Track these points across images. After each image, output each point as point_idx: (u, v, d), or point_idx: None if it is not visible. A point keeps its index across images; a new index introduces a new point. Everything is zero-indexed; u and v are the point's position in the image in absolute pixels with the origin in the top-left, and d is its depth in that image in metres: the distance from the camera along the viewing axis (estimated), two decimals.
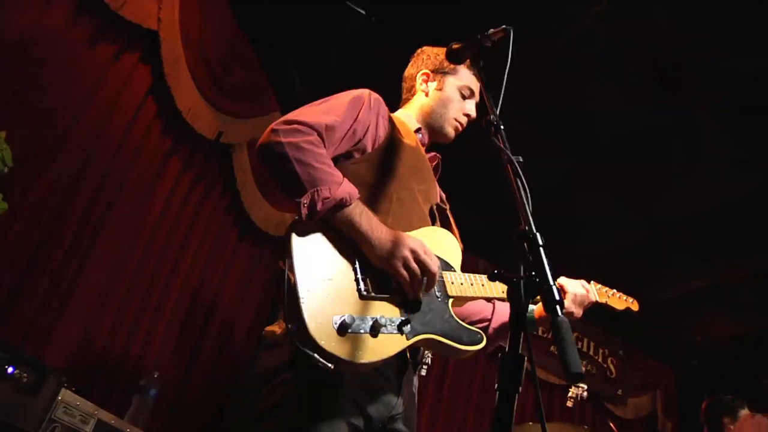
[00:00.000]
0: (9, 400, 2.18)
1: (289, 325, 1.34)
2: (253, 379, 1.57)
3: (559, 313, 0.99)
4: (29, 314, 2.76)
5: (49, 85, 2.82)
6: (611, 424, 3.98)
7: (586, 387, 3.46)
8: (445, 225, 1.88)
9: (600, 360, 5.97)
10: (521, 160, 1.29)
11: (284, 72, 4.26)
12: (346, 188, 1.50)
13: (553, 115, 3.89)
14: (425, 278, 1.53)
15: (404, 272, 1.50)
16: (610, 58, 3.60)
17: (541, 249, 1.08)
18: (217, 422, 3.92)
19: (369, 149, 1.72)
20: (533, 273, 1.05)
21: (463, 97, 2.04)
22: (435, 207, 1.87)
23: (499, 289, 1.73)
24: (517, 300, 1.06)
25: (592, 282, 1.98)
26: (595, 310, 1.98)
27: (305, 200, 1.44)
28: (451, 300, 1.63)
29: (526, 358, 1.01)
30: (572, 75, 3.72)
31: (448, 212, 1.94)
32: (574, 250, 4.90)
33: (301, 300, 1.35)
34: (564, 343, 0.95)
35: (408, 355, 1.63)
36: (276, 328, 1.56)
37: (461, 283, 1.68)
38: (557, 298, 1.01)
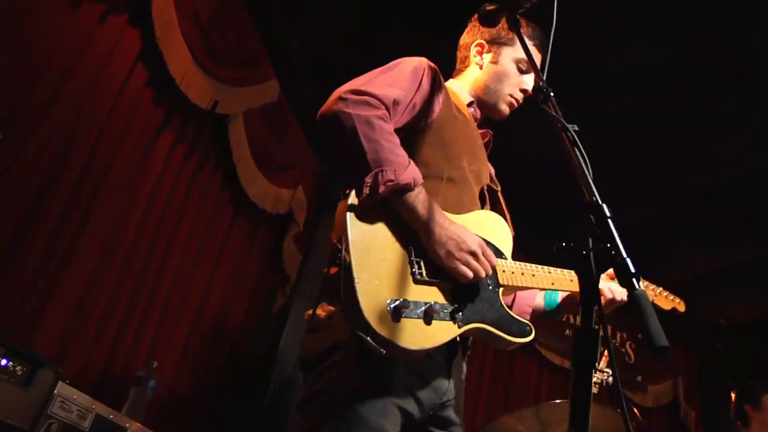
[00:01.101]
0: (1, 395, 2.14)
1: (344, 306, 1.37)
2: (287, 367, 1.61)
3: (636, 285, 1.00)
4: (14, 300, 2.75)
5: (28, 52, 2.77)
6: (635, 410, 4.05)
7: (610, 372, 3.49)
8: (496, 207, 1.91)
9: (618, 344, 6.08)
10: (577, 128, 1.30)
11: (281, 37, 4.23)
12: (412, 173, 1.51)
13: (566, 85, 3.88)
14: (482, 276, 1.58)
15: (462, 270, 1.54)
16: (630, 26, 3.59)
17: (609, 220, 1.10)
18: (217, 413, 3.96)
19: (424, 123, 1.74)
20: (605, 245, 1.06)
21: (521, 71, 2.02)
22: (486, 188, 1.89)
23: (548, 280, 1.78)
24: (588, 274, 1.08)
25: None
26: None
27: (368, 180, 1.46)
28: (501, 289, 1.67)
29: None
30: (589, 44, 3.70)
31: (500, 194, 1.96)
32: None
33: (356, 281, 1.38)
34: (646, 316, 0.96)
35: (458, 339, 1.66)
36: (320, 312, 1.59)
37: (512, 272, 1.72)
38: (633, 270, 1.02)
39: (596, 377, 3.50)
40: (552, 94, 1.39)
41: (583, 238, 1.11)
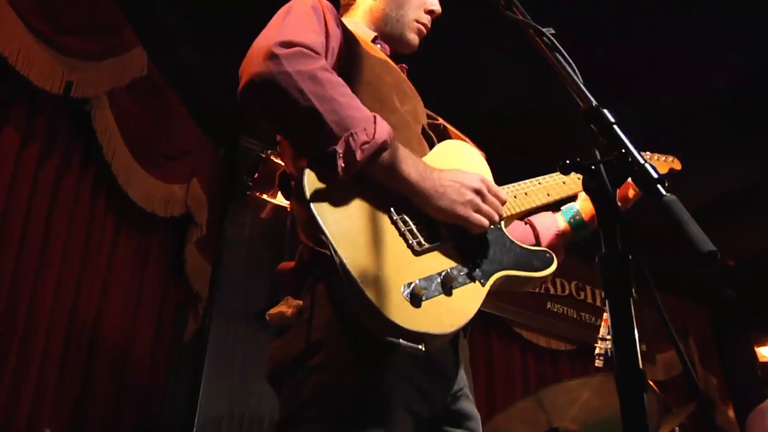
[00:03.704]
0: None
1: (361, 317, 1.37)
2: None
3: (663, 192, 1.02)
4: None
5: None
6: (651, 383, 4.16)
7: (609, 341, 3.56)
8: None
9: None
10: (553, 31, 1.32)
11: None
12: (383, 126, 1.49)
13: None
14: (497, 220, 1.63)
15: (477, 217, 1.58)
16: None
17: (615, 126, 1.13)
18: None
19: (339, 68, 1.70)
20: (617, 154, 1.08)
21: None
22: (427, 126, 1.90)
23: (543, 192, 1.88)
24: (601, 189, 1.10)
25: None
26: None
27: (339, 149, 1.42)
28: (503, 223, 1.73)
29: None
30: None
31: (446, 125, 1.98)
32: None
33: (359, 281, 1.36)
34: (683, 223, 0.98)
35: None
36: (284, 308, 1.58)
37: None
38: (655, 175, 1.04)
39: (598, 348, 3.57)
40: None
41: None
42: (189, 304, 4.71)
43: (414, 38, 2.07)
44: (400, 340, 1.35)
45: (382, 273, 1.41)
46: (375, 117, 1.51)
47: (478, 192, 1.59)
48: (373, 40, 1.99)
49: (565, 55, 1.28)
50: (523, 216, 1.96)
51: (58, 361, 3.52)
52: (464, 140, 1.93)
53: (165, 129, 4.41)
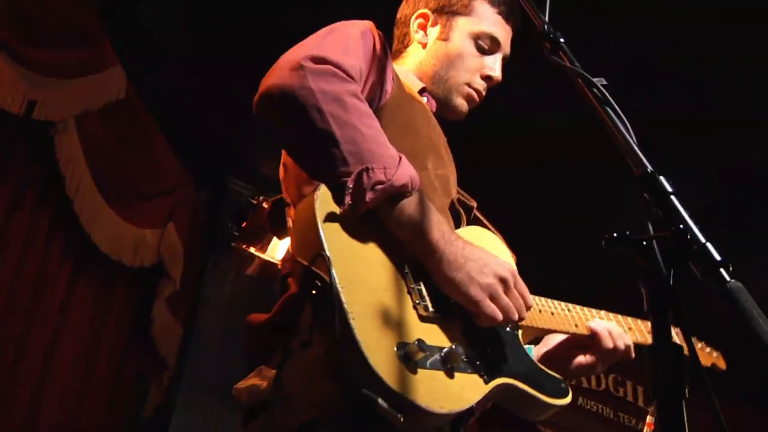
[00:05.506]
0: None
1: (339, 355, 1.38)
2: None
3: (728, 277, 1.00)
4: None
5: None
6: None
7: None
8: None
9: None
10: (605, 82, 1.34)
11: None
12: (407, 170, 1.52)
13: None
14: (515, 319, 1.63)
15: (491, 307, 1.56)
16: None
17: (672, 196, 1.12)
18: None
19: (375, 106, 1.77)
20: (673, 229, 1.08)
21: (482, 51, 2.08)
22: (457, 201, 1.96)
23: (570, 320, 1.91)
24: (652, 269, 1.09)
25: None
26: None
27: (350, 183, 1.46)
28: (520, 331, 1.76)
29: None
30: None
31: (477, 213, 2.03)
32: None
33: (350, 315, 1.37)
34: (749, 315, 0.97)
35: None
36: (256, 380, 1.58)
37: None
38: (719, 257, 1.02)
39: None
40: (562, 40, 1.43)
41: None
42: (152, 371, 4.67)
43: (462, 104, 2.08)
44: (379, 400, 1.34)
45: (377, 317, 1.43)
46: (401, 158, 1.54)
47: (503, 280, 1.59)
48: (420, 92, 2.04)
49: (618, 110, 1.29)
50: (535, 337, 1.98)
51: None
52: (495, 234, 1.95)
53: (141, 163, 4.40)
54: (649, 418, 2.96)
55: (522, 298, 1.63)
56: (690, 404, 1.01)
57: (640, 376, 6.13)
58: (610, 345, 1.88)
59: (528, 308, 1.65)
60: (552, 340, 1.98)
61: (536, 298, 1.84)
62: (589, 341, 1.90)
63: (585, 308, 1.97)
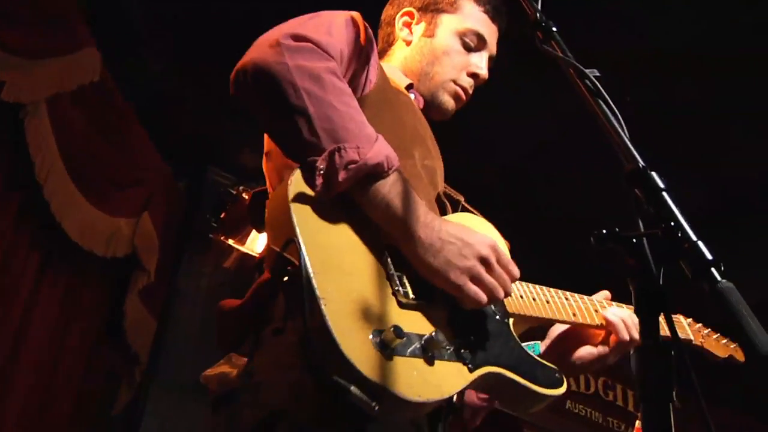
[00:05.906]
0: None
1: (308, 343, 1.36)
2: None
3: (719, 277, 1.00)
4: None
5: None
6: None
7: None
8: None
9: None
10: (597, 73, 1.35)
11: None
12: (383, 149, 1.52)
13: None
14: (502, 297, 1.61)
15: (474, 290, 1.55)
16: None
17: (664, 193, 1.12)
18: None
19: (359, 93, 1.79)
20: (664, 226, 1.08)
21: (467, 48, 2.13)
22: (443, 195, 1.96)
23: (568, 309, 1.88)
24: (641, 268, 1.10)
25: (680, 316, 2.13)
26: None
27: (321, 164, 1.46)
28: (511, 320, 1.75)
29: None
30: None
31: (466, 205, 2.04)
32: None
33: (321, 301, 1.36)
34: (740, 317, 0.97)
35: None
36: (226, 368, 1.57)
37: (521, 296, 1.80)
38: (710, 257, 1.02)
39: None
40: (555, 29, 1.44)
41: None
42: (123, 368, 4.66)
43: (448, 101, 2.12)
44: (352, 387, 1.34)
45: (351, 304, 1.42)
46: (378, 137, 1.54)
47: (483, 260, 1.56)
48: (407, 88, 2.08)
49: (610, 103, 1.30)
50: (541, 331, 1.98)
51: None
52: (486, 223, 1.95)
53: (116, 149, 4.38)
54: (638, 423, 2.98)
55: (507, 272, 1.61)
56: (683, 415, 1.01)
57: (630, 380, 6.15)
58: (626, 336, 1.86)
59: (513, 280, 1.64)
60: (554, 333, 1.98)
61: (531, 286, 1.86)
62: (598, 332, 1.89)
63: (586, 297, 1.96)
